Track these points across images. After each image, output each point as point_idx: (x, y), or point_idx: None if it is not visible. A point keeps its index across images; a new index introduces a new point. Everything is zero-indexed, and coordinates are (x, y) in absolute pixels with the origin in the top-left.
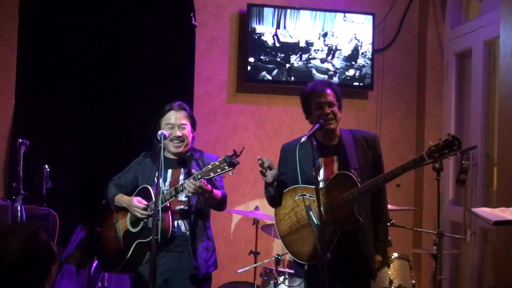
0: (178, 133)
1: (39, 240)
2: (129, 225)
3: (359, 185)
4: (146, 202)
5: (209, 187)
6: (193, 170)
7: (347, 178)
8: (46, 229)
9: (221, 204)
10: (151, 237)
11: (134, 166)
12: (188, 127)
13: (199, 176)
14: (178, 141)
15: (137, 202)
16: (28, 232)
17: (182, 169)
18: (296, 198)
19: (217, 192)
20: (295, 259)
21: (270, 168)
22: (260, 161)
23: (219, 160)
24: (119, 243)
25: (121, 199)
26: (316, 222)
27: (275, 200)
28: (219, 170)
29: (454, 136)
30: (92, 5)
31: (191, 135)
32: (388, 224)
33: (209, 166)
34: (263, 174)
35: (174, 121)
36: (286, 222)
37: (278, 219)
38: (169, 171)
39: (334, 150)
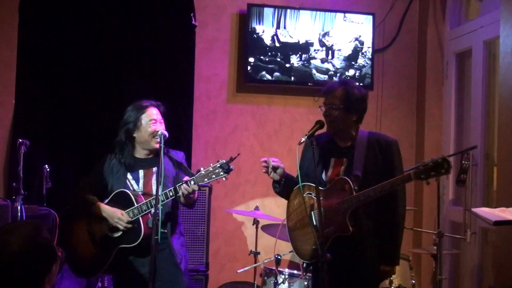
0: (161, 127)
1: (40, 238)
2: (107, 231)
3: (354, 194)
4: (129, 218)
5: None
6: (186, 177)
7: (346, 184)
8: (48, 229)
9: (194, 203)
10: (137, 242)
11: (100, 167)
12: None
13: (192, 182)
14: (159, 137)
15: (121, 215)
16: (30, 229)
17: (154, 169)
18: (304, 195)
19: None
20: (297, 255)
21: (275, 169)
22: (264, 164)
23: (214, 166)
24: (95, 249)
25: (102, 209)
26: (314, 223)
27: (282, 196)
28: (214, 176)
29: (444, 158)
30: (92, 5)
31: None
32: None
33: (202, 172)
34: (268, 173)
35: (157, 117)
36: (293, 218)
37: (288, 213)
38: (141, 172)
39: (345, 152)
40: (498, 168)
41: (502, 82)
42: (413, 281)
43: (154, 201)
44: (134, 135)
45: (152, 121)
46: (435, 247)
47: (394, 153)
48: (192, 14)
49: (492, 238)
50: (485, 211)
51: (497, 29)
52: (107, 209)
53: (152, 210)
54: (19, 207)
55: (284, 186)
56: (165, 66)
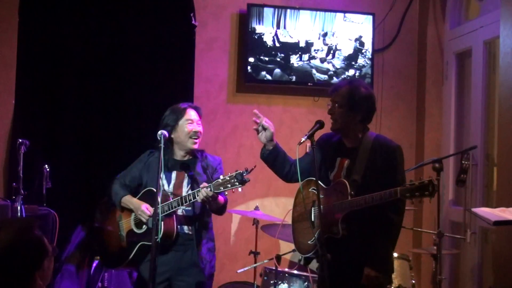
0: (198, 128)
1: (30, 234)
2: (133, 226)
3: (349, 198)
4: (151, 212)
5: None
6: (203, 183)
7: (344, 188)
8: (41, 226)
9: (222, 209)
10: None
11: (138, 164)
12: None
13: (208, 189)
14: (196, 137)
15: (145, 209)
16: (20, 226)
17: (186, 173)
18: (309, 190)
19: (220, 198)
20: (295, 247)
21: (264, 128)
22: (255, 118)
23: (230, 175)
24: (121, 242)
25: (130, 201)
26: (312, 220)
27: (269, 164)
28: (229, 186)
29: (431, 181)
30: (92, 5)
31: None
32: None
33: (219, 180)
34: (257, 131)
35: (194, 117)
36: (297, 210)
37: (294, 204)
38: (174, 173)
39: (350, 153)
40: (498, 168)
41: (502, 82)
42: (413, 281)
43: (175, 202)
44: (172, 136)
45: (188, 121)
46: (435, 247)
47: (396, 159)
48: (192, 14)
49: (492, 238)
50: (485, 211)
51: (497, 29)
52: (134, 201)
53: (178, 210)
54: (19, 207)
55: (271, 155)
56: (165, 66)
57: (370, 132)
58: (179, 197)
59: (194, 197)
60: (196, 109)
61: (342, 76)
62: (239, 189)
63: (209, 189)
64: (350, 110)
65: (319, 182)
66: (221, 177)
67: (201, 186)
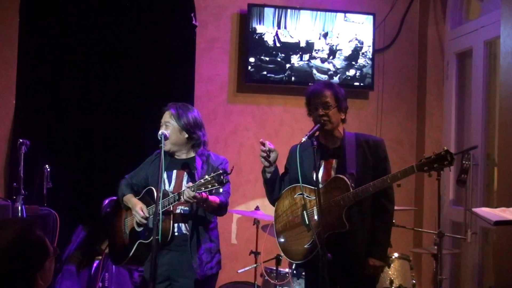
0: (160, 131)
1: (32, 234)
2: (135, 224)
3: (351, 191)
4: (147, 214)
5: (204, 195)
6: (186, 184)
7: (342, 182)
8: (42, 226)
9: (218, 211)
10: (151, 239)
11: (145, 165)
12: (172, 126)
13: (192, 189)
14: (159, 137)
15: (139, 209)
16: (21, 226)
17: (186, 172)
18: (295, 196)
19: (214, 199)
20: (285, 257)
21: (270, 151)
22: (262, 147)
23: (211, 176)
24: (125, 239)
25: (129, 199)
26: (307, 222)
27: (269, 186)
28: (210, 186)
29: (447, 150)
30: (92, 5)
31: (179, 135)
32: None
33: (201, 180)
34: (264, 158)
35: (163, 120)
36: (282, 219)
37: (276, 215)
38: (174, 172)
39: (335, 154)
40: (498, 168)
41: (503, 82)
42: (414, 281)
43: (166, 202)
44: None
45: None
46: (435, 247)
47: (385, 151)
48: (192, 14)
49: (493, 238)
50: (485, 211)
51: (497, 29)
52: (133, 200)
53: (177, 210)
54: (19, 207)
55: (273, 176)
56: (166, 66)
57: (347, 132)
58: (168, 197)
59: (179, 197)
60: (169, 107)
61: (341, 76)
62: (220, 190)
63: (192, 189)
64: (340, 111)
65: (307, 185)
66: (206, 177)
67: (185, 186)
